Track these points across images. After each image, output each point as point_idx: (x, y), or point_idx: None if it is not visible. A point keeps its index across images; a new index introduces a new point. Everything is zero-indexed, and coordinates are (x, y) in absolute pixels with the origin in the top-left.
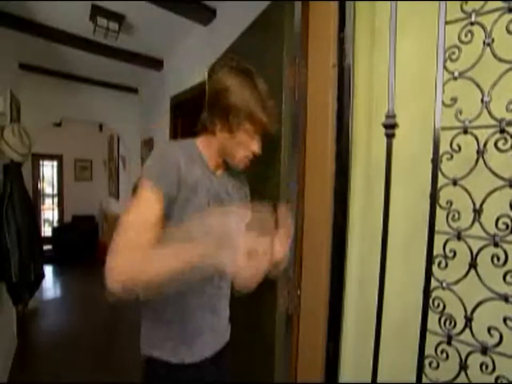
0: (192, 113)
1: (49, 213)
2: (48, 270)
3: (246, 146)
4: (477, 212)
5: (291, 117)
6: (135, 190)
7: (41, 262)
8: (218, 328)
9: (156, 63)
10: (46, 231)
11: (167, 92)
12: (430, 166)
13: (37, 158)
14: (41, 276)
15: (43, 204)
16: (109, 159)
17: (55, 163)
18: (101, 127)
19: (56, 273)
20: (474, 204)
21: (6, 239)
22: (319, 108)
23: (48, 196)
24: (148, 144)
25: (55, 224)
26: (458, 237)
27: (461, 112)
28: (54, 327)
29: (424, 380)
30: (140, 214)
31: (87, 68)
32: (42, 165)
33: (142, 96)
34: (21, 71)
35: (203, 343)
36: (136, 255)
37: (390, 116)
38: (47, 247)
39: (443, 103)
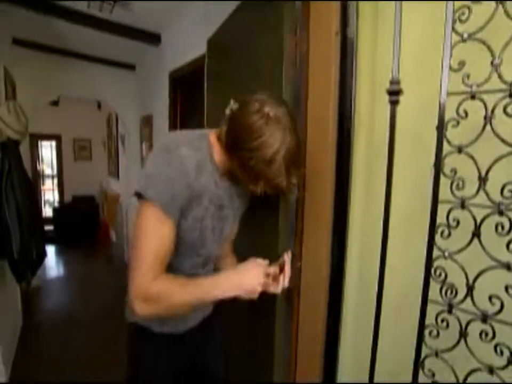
0: (192, 88)
1: (50, 194)
2: (50, 250)
3: (253, 186)
4: (482, 180)
5: (292, 85)
6: (139, 196)
7: (43, 240)
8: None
9: (153, 38)
10: (47, 211)
11: (165, 68)
12: (434, 135)
13: (35, 139)
14: (43, 254)
15: (43, 184)
16: (108, 138)
17: (53, 143)
18: (99, 105)
19: (58, 253)
20: (479, 172)
21: (6, 218)
22: (321, 76)
23: (48, 176)
24: (147, 122)
25: (56, 205)
26: (462, 205)
27: (468, 77)
28: (58, 304)
29: (423, 349)
30: (152, 245)
31: (83, 44)
32: (41, 145)
33: (139, 73)
34: (16, 47)
35: (189, 317)
36: (161, 284)
37: (394, 81)
38: (48, 227)
39: (450, 68)
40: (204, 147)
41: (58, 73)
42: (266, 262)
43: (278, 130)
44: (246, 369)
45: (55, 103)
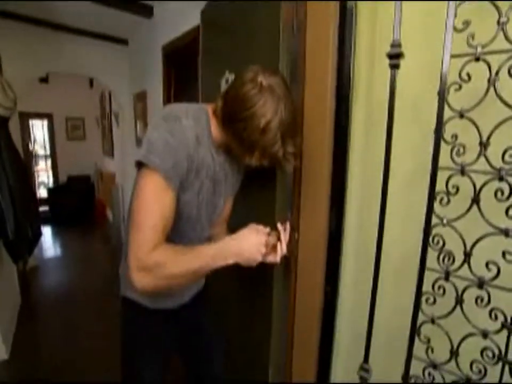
0: (185, 62)
1: (44, 175)
2: (46, 230)
3: (248, 158)
4: (483, 145)
5: (289, 54)
6: (139, 165)
7: (38, 219)
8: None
9: (145, 10)
10: (42, 193)
11: (158, 41)
12: (435, 101)
13: (25, 117)
14: (39, 233)
15: (37, 165)
16: (102, 116)
17: (45, 122)
18: (91, 83)
19: (55, 234)
20: (481, 137)
21: None
22: (319, 44)
23: (41, 157)
24: (141, 98)
25: (50, 185)
26: (462, 171)
27: (473, 37)
28: (56, 283)
29: (420, 316)
30: (153, 213)
31: (73, 17)
32: (32, 125)
33: (132, 48)
34: (1, 19)
35: (182, 293)
36: (160, 253)
37: (395, 44)
38: (43, 208)
39: (454, 28)
40: (202, 120)
41: (46, 48)
42: (266, 229)
43: (271, 99)
44: (242, 345)
45: (45, 80)
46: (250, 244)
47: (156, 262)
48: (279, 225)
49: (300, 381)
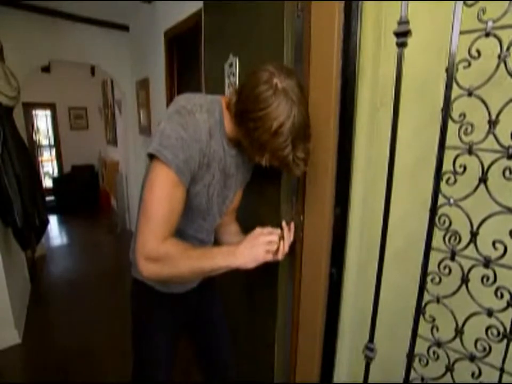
0: (188, 48)
1: (48, 165)
2: (52, 219)
3: (258, 157)
4: (492, 123)
5: (293, 33)
6: (151, 156)
7: (44, 207)
8: None
9: None
10: (47, 183)
11: (159, 27)
12: (442, 79)
13: (28, 108)
14: (46, 221)
15: (41, 155)
16: (104, 105)
17: (48, 112)
18: (93, 71)
19: (61, 223)
20: (490, 115)
21: (7, 187)
22: (324, 23)
23: (45, 147)
24: (143, 85)
25: (55, 175)
26: (470, 151)
27: (484, 11)
28: (64, 270)
29: (425, 296)
30: (163, 207)
31: (73, 4)
32: (35, 115)
33: (133, 34)
34: (1, 7)
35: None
36: (169, 245)
37: (403, 21)
38: (49, 198)
39: (464, 3)
40: (216, 113)
41: (47, 36)
42: (269, 229)
43: (285, 102)
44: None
45: (47, 69)
46: (257, 248)
47: (164, 253)
48: (283, 224)
49: (305, 364)
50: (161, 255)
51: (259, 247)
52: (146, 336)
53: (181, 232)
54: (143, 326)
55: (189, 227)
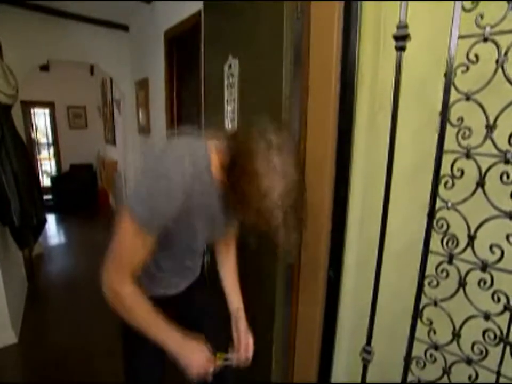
0: (188, 48)
1: (47, 163)
2: (50, 218)
3: (241, 213)
4: (490, 128)
5: (293, 35)
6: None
7: (42, 206)
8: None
9: None
10: (45, 181)
11: (159, 27)
12: (441, 83)
13: (27, 106)
14: (43, 220)
15: (39, 154)
16: (103, 105)
17: (47, 111)
18: (92, 70)
19: (59, 221)
20: (487, 120)
21: (4, 185)
22: (324, 26)
23: (44, 146)
24: (143, 86)
25: (54, 174)
26: (468, 155)
27: (482, 16)
28: (61, 269)
29: (423, 299)
30: (127, 251)
31: (73, 3)
32: (34, 113)
33: (133, 34)
34: (0, 5)
35: (177, 285)
36: (131, 293)
37: (402, 26)
38: (47, 197)
39: (462, 8)
40: (201, 158)
41: (46, 35)
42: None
43: (278, 160)
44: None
45: (46, 68)
46: (195, 357)
47: (122, 297)
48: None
49: (303, 364)
50: (120, 295)
51: (197, 361)
52: (136, 337)
53: (167, 257)
54: (133, 330)
55: (173, 263)
